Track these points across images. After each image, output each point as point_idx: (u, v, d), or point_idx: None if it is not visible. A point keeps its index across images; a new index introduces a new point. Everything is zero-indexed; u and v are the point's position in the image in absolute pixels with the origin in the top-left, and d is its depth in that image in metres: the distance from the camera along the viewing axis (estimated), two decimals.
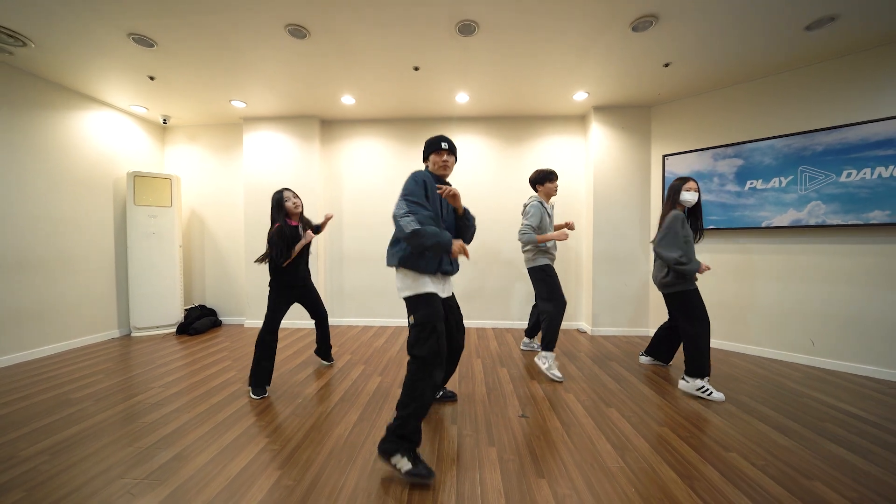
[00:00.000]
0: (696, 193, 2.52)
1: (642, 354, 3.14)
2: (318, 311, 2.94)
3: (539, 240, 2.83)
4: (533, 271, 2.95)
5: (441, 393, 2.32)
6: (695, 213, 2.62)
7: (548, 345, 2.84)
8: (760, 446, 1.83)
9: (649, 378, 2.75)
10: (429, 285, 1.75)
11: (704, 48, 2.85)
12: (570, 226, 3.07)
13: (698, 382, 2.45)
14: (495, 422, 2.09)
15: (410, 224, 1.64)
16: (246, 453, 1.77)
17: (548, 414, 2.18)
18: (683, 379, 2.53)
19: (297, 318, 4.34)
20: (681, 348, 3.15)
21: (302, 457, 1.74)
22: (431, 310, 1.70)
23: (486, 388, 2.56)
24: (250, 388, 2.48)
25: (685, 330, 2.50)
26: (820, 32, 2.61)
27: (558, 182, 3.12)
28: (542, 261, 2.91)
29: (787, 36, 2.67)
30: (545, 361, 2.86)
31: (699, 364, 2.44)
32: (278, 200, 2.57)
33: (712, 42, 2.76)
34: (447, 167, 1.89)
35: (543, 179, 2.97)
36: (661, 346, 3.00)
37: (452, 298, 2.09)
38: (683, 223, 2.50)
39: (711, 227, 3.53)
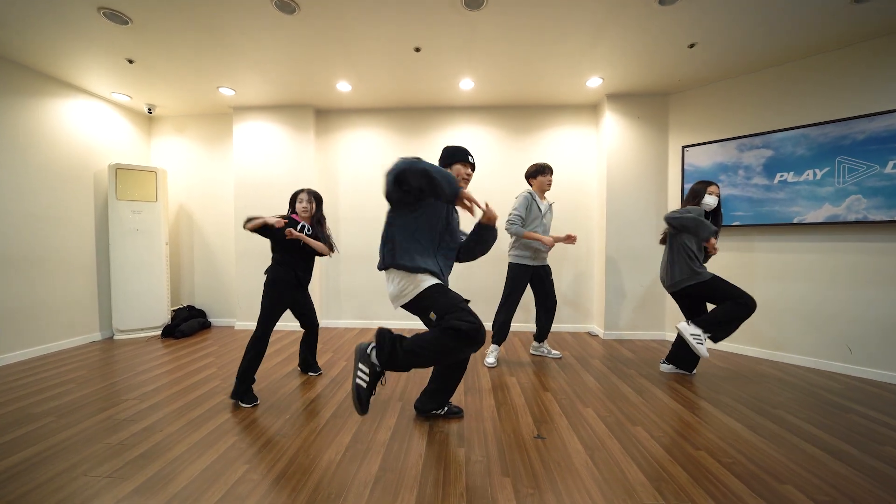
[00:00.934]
0: (717, 198, 2.60)
1: (663, 362, 2.88)
2: (310, 320, 2.70)
3: (524, 235, 2.85)
4: (509, 265, 3.00)
5: (446, 409, 2.08)
6: (715, 215, 2.69)
7: (492, 336, 3.02)
8: (818, 476, 1.58)
9: (674, 390, 2.50)
10: (429, 279, 1.74)
11: (735, 25, 2.57)
12: (570, 239, 2.92)
13: (697, 330, 2.50)
14: (508, 443, 1.84)
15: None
16: (220, 485, 1.52)
17: (567, 434, 1.92)
18: (687, 322, 2.58)
19: (291, 321, 4.07)
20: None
21: (284, 491, 1.49)
22: (450, 295, 1.73)
23: (496, 402, 2.31)
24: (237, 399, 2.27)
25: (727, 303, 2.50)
26: (870, 6, 2.34)
27: (552, 176, 3.02)
28: (519, 259, 2.95)
29: (832, 9, 2.39)
30: (490, 349, 3.06)
31: (718, 327, 2.48)
32: (292, 198, 2.59)
33: (745, 18, 2.49)
34: (466, 183, 1.91)
35: (536, 173, 2.98)
36: (682, 352, 2.75)
37: None
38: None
39: (737, 223, 3.27)
